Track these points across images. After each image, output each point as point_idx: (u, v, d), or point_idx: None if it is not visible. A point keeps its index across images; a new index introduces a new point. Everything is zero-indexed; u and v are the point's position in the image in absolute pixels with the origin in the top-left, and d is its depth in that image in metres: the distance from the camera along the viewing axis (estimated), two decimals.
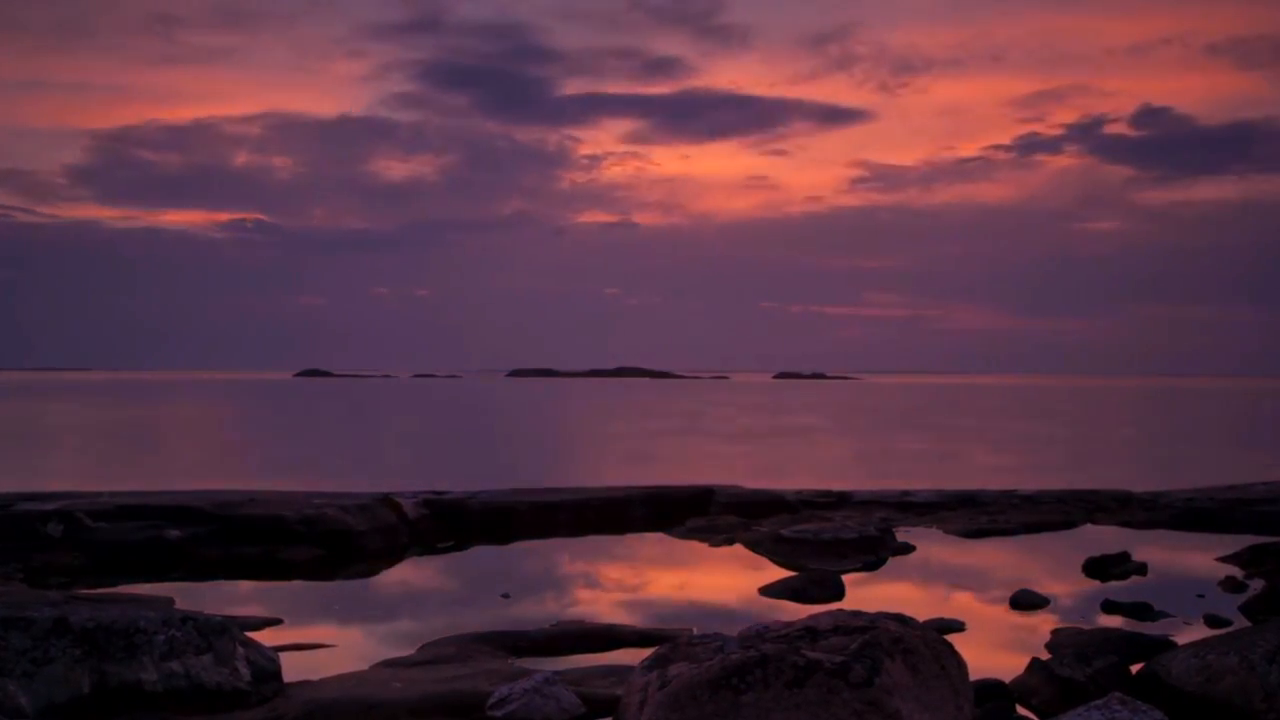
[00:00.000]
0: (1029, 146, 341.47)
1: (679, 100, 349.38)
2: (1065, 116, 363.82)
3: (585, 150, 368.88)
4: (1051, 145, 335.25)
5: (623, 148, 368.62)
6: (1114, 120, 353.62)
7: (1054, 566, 10.51)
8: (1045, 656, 6.44)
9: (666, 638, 6.59)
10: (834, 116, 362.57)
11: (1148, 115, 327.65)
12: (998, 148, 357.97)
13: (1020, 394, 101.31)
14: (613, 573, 10.51)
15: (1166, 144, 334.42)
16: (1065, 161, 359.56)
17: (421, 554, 11.41)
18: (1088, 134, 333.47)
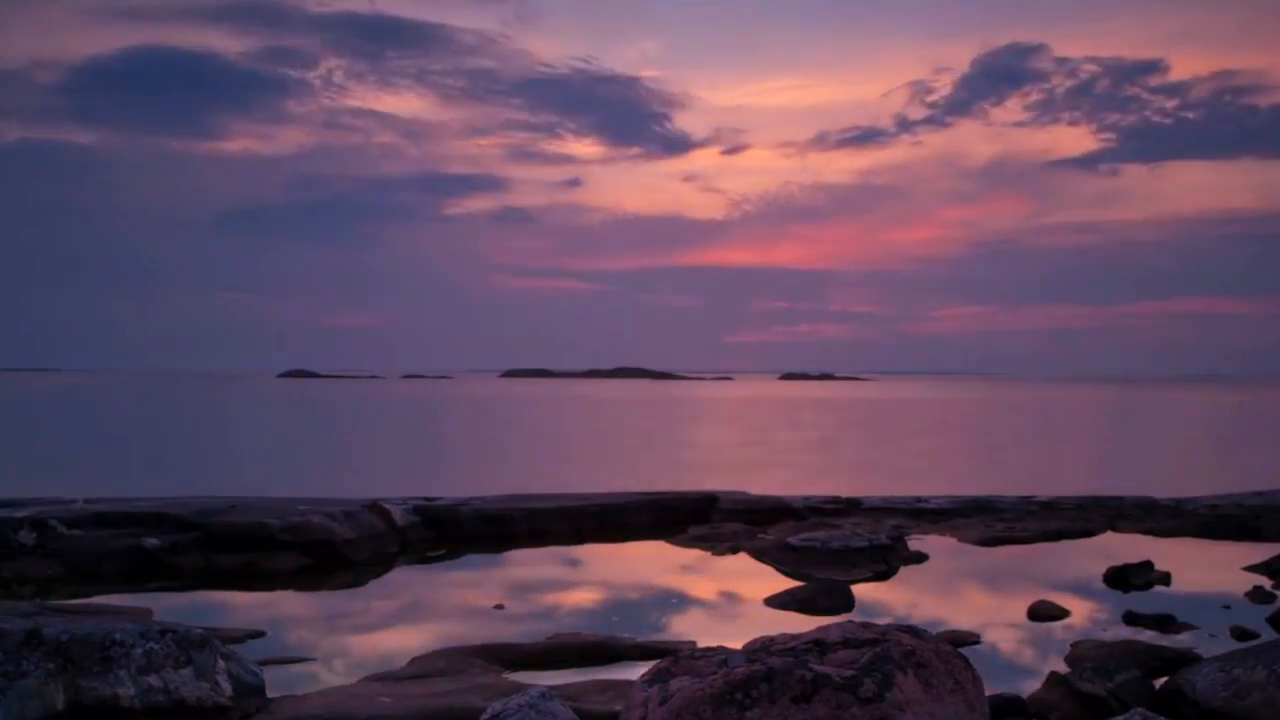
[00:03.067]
0: None
1: None
2: None
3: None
4: None
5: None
6: None
7: (1073, 576, 10.51)
8: (1064, 670, 6.45)
9: (667, 651, 6.60)
10: None
11: None
12: None
13: (1027, 396, 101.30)
14: (611, 583, 10.50)
15: None
16: None
17: (411, 563, 11.42)
18: None
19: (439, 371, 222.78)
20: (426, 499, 13.42)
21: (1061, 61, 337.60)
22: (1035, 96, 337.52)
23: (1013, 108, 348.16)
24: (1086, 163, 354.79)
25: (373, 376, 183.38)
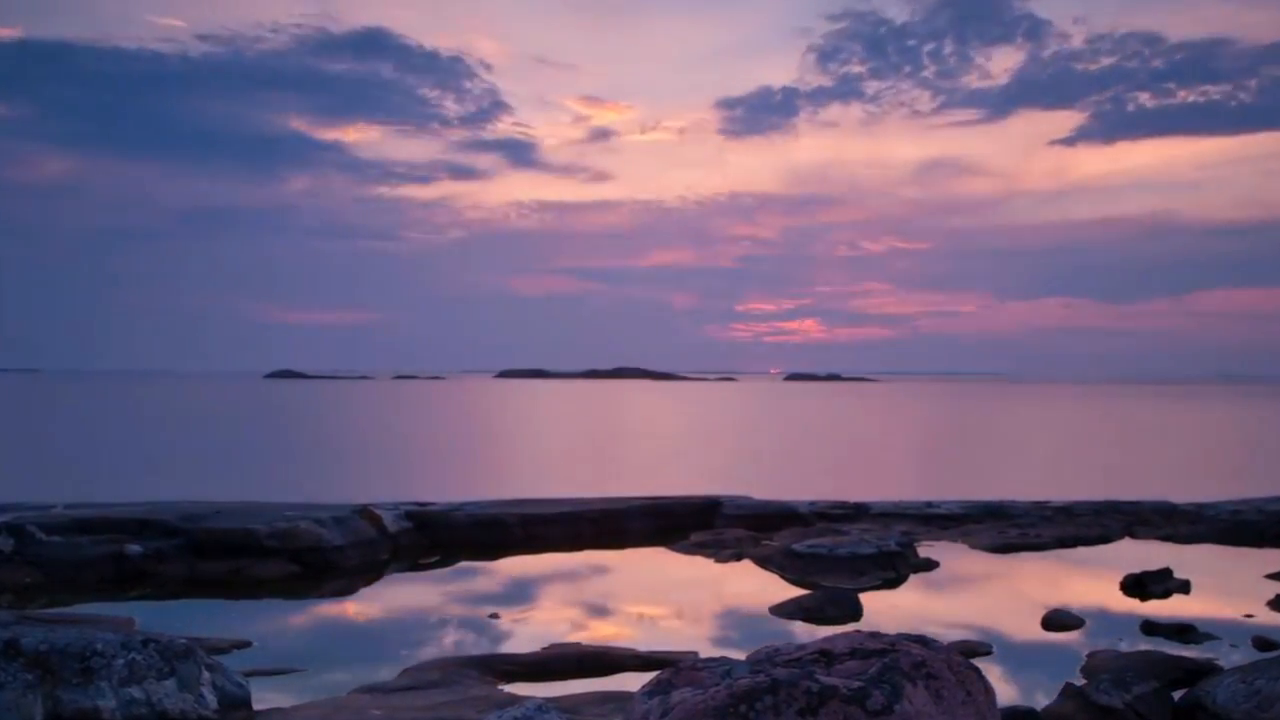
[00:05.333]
0: None
1: None
2: None
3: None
4: None
5: None
6: None
7: (1089, 584, 10.52)
8: (1080, 682, 6.45)
9: (668, 661, 6.60)
10: None
11: None
12: None
13: (1038, 397, 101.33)
14: (610, 591, 10.51)
15: None
16: None
17: (403, 570, 11.42)
18: None
19: (432, 372, 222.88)
20: (418, 504, 13.43)
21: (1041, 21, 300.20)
22: (1011, 60, 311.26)
23: (986, 72, 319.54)
24: (1071, 140, 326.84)
25: (363, 377, 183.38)
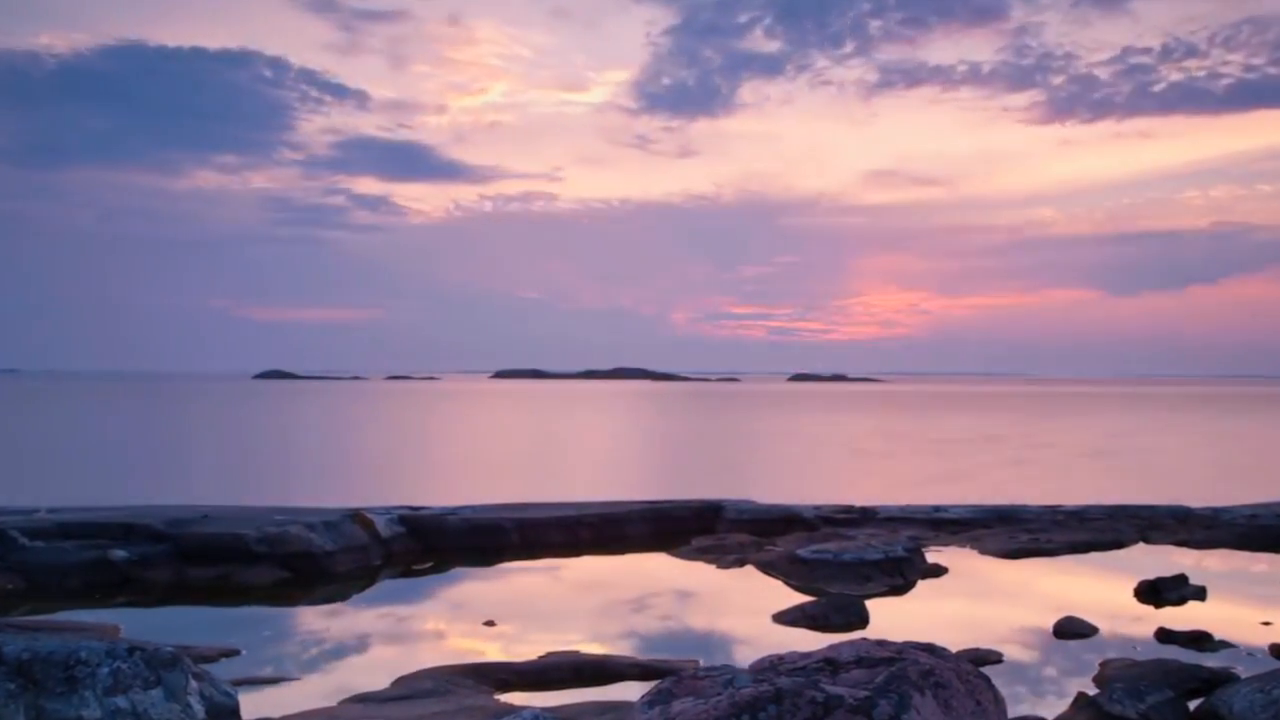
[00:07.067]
0: None
1: None
2: None
3: None
4: None
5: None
6: None
7: (1102, 590, 10.52)
8: (1093, 691, 6.45)
9: (669, 670, 6.60)
10: None
11: None
12: None
13: (1047, 398, 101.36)
14: (609, 597, 10.51)
15: None
16: None
17: (396, 576, 11.42)
18: None
19: (426, 373, 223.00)
20: (412, 508, 13.42)
21: None
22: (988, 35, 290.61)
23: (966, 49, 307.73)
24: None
25: (355, 378, 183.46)
